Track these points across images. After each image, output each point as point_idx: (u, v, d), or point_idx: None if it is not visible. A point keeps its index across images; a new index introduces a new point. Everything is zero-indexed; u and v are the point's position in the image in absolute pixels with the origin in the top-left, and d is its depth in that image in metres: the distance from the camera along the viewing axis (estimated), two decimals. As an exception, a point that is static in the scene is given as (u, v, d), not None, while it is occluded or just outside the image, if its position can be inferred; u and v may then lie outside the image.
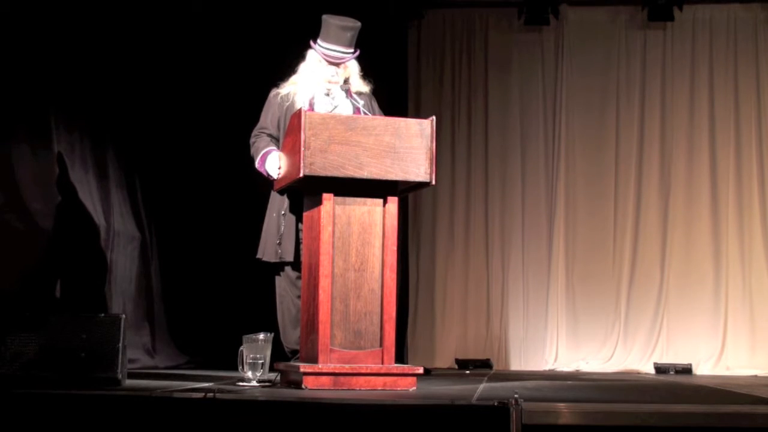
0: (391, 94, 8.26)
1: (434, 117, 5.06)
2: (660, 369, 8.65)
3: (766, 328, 8.88)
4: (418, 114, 9.10)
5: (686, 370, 8.59)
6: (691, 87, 9.35)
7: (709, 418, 3.93)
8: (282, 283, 5.56)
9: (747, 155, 9.20)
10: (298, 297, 5.40)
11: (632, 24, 9.45)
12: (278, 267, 5.53)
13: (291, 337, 5.48)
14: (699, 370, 8.65)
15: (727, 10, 9.37)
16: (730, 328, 8.93)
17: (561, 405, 3.98)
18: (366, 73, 5.68)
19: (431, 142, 4.92)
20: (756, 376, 8.33)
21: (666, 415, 3.94)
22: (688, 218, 9.17)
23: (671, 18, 9.20)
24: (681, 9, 9.17)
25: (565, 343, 9.05)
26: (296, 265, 5.43)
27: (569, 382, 6.62)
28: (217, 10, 8.23)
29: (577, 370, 8.81)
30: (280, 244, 5.42)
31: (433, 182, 4.98)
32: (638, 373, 8.63)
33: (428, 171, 4.91)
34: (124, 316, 4.85)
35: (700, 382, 6.85)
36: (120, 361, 4.71)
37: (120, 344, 4.73)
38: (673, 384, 6.75)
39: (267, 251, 5.51)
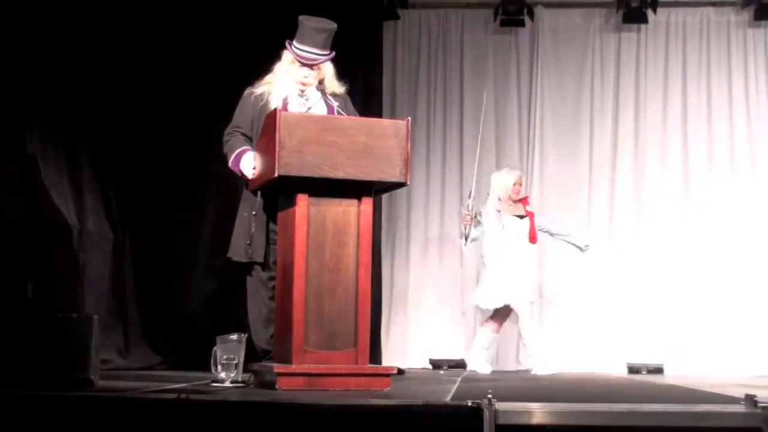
0: (367, 95, 8.28)
1: (409, 118, 5.08)
2: (632, 369, 8.70)
3: (737, 328, 8.94)
4: (394, 115, 9.11)
5: (658, 369, 8.64)
6: (664, 88, 9.41)
7: (680, 418, 3.95)
8: (253, 283, 5.55)
9: (719, 156, 9.27)
10: (270, 297, 5.39)
11: (607, 26, 9.50)
12: (249, 267, 5.52)
13: (262, 337, 5.47)
14: (671, 369, 8.70)
15: (699, 13, 9.45)
16: (701, 328, 8.99)
17: (534, 405, 3.98)
18: (341, 74, 5.68)
19: (406, 142, 4.92)
20: (727, 375, 8.37)
21: (638, 415, 3.96)
22: (661, 219, 9.22)
23: (645, 21, 9.26)
24: (655, 12, 9.23)
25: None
26: (266, 265, 5.43)
27: (543, 382, 6.64)
28: (191, 11, 8.20)
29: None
30: (250, 244, 5.40)
31: (408, 182, 4.99)
32: (611, 373, 8.66)
33: (403, 171, 4.91)
34: (96, 316, 4.82)
35: (671, 382, 6.88)
36: (92, 361, 4.68)
37: (92, 345, 4.70)
38: (646, 384, 6.79)
39: (237, 251, 5.50)
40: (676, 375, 8.39)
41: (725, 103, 9.34)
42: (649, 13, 9.22)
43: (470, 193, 8.26)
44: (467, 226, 8.19)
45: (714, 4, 9.49)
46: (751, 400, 4.02)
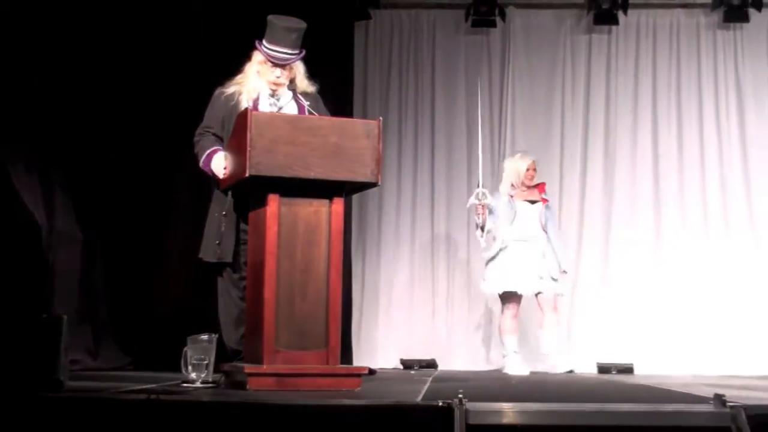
0: (338, 95, 8.28)
1: (381, 118, 5.08)
2: (602, 368, 8.72)
3: (706, 328, 9.00)
4: (365, 115, 9.11)
5: (628, 369, 8.67)
6: (634, 89, 9.46)
7: (650, 417, 3.97)
8: (223, 283, 5.54)
9: (689, 156, 9.33)
10: (241, 298, 5.38)
11: (578, 27, 9.54)
12: (220, 267, 5.50)
13: (233, 338, 5.46)
14: (640, 369, 8.74)
15: (670, 15, 9.51)
16: (670, 328, 9.04)
17: (505, 405, 3.99)
18: (313, 74, 5.68)
19: (378, 142, 4.92)
20: (696, 375, 8.43)
21: (608, 414, 3.98)
22: (631, 217, 9.27)
23: (616, 22, 9.31)
24: (625, 13, 9.27)
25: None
26: (237, 265, 5.42)
27: (513, 382, 6.65)
28: (161, 10, 8.17)
29: (518, 374, 8.85)
30: (219, 244, 5.39)
31: (380, 183, 4.99)
32: (581, 372, 8.69)
33: (374, 171, 4.91)
34: (65, 316, 4.79)
35: (641, 382, 6.91)
36: (62, 362, 4.65)
37: (62, 345, 4.67)
38: (615, 383, 6.82)
39: (207, 251, 5.49)
40: (645, 375, 8.42)
41: (695, 103, 9.41)
42: (620, 14, 9.26)
43: (479, 182, 8.11)
44: (481, 216, 7.99)
45: (684, 6, 9.55)
46: (719, 399, 4.04)
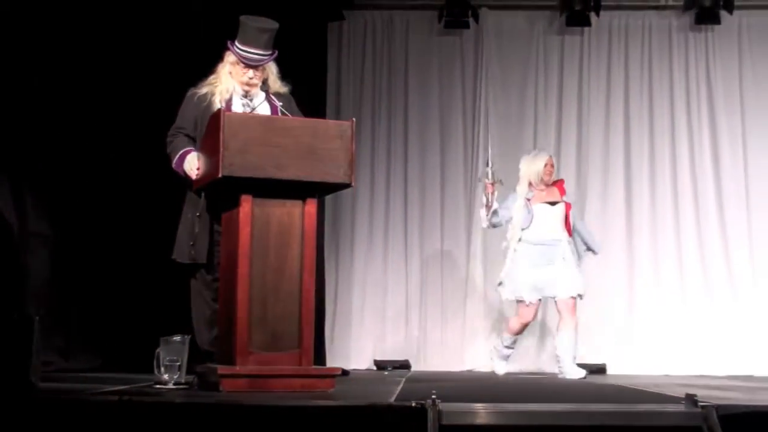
0: (311, 96, 8.24)
1: (354, 119, 5.07)
2: (575, 369, 8.75)
3: (677, 328, 9.05)
4: (338, 116, 9.10)
5: (600, 369, 8.70)
6: (607, 91, 9.50)
7: (622, 417, 3.99)
8: (196, 284, 5.53)
9: (660, 156, 9.38)
10: (213, 299, 5.37)
11: (550, 29, 9.57)
12: (193, 268, 5.49)
13: (206, 339, 5.45)
14: (613, 369, 8.77)
15: (642, 17, 9.56)
16: (642, 328, 9.08)
17: (478, 405, 4.01)
18: (285, 75, 5.67)
19: (351, 143, 4.92)
20: (668, 375, 8.47)
21: (581, 415, 4.00)
22: (602, 218, 9.30)
23: (588, 23, 9.34)
24: (598, 15, 9.31)
25: (482, 343, 9.11)
26: (210, 266, 5.40)
27: (486, 383, 6.67)
28: (133, 10, 8.13)
29: (494, 371, 8.87)
30: (193, 245, 5.38)
31: (353, 183, 4.99)
32: (554, 373, 8.72)
33: (348, 172, 4.91)
34: (38, 317, 4.76)
35: (613, 382, 6.94)
36: (33, 363, 4.62)
37: (34, 346, 4.65)
38: (588, 383, 6.85)
39: (181, 252, 5.47)
40: (618, 375, 8.46)
41: (667, 105, 9.46)
42: (592, 16, 9.30)
43: (488, 160, 7.87)
44: (490, 195, 7.70)
45: (656, 8, 9.60)
46: (691, 399, 4.07)
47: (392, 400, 4.35)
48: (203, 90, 5.55)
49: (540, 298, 7.84)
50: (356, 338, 9.22)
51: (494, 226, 7.93)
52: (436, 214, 9.40)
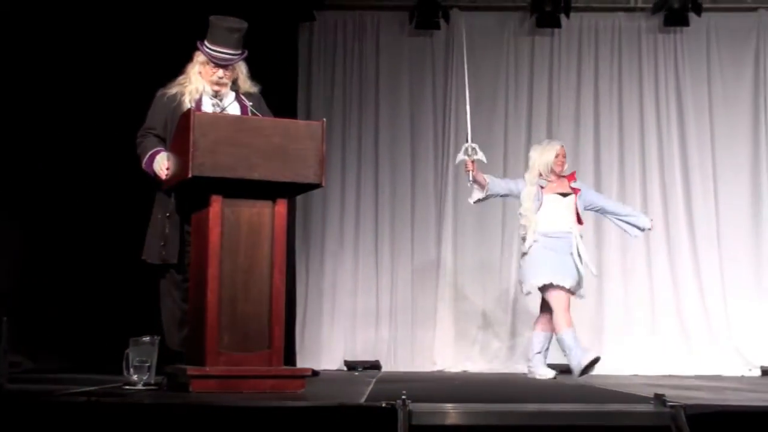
0: (282, 96, 8.24)
1: (324, 119, 5.07)
2: (545, 369, 8.77)
3: (645, 329, 9.09)
4: (309, 116, 9.09)
5: (569, 370, 8.72)
6: (577, 92, 9.55)
7: (591, 417, 4.01)
8: (166, 285, 5.51)
9: (629, 156, 9.44)
10: (183, 299, 5.35)
11: (521, 30, 9.60)
12: (163, 269, 5.47)
13: (175, 339, 5.43)
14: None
15: (612, 19, 9.61)
16: (610, 329, 9.13)
17: (448, 405, 4.01)
18: (256, 75, 5.66)
19: (321, 143, 4.92)
20: (636, 375, 8.51)
21: (550, 415, 4.01)
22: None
23: (558, 25, 9.38)
24: (568, 16, 9.35)
25: (452, 344, 9.13)
26: (181, 267, 5.38)
27: (456, 383, 6.68)
28: (101, 11, 8.09)
29: (464, 371, 8.90)
30: (164, 246, 5.36)
31: (323, 184, 4.98)
32: (524, 373, 8.74)
33: (318, 173, 4.91)
34: (5, 318, 4.74)
35: (582, 382, 6.97)
36: (1, 364, 4.60)
37: (1, 347, 4.62)
38: (557, 383, 6.87)
39: (151, 253, 5.45)
40: (586, 375, 8.49)
41: (636, 106, 9.52)
42: (563, 17, 9.34)
43: (467, 136, 7.64)
44: (471, 173, 7.46)
45: (626, 10, 9.66)
46: (660, 399, 4.09)
47: (362, 400, 4.35)
48: (173, 90, 5.53)
49: (568, 285, 7.41)
50: (327, 339, 9.21)
51: (480, 200, 7.69)
52: (406, 214, 9.40)
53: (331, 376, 7.55)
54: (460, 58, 9.29)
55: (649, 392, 4.63)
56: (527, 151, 9.33)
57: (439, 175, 9.40)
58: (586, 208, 7.72)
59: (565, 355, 7.51)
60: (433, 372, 8.86)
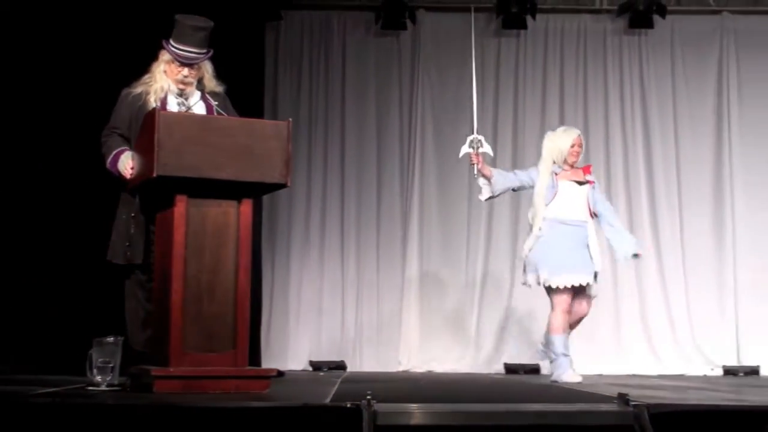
0: (248, 96, 8.21)
1: (290, 119, 5.06)
2: (510, 369, 8.82)
3: (609, 329, 9.14)
4: (275, 116, 9.07)
5: (535, 370, 8.78)
6: (542, 93, 9.59)
7: (555, 417, 4.03)
8: (130, 285, 5.48)
9: (594, 156, 9.46)
10: (147, 300, 5.33)
11: (487, 31, 9.62)
12: (127, 269, 5.44)
13: (139, 340, 5.40)
14: (547, 369, 8.83)
15: (577, 20, 9.66)
16: (575, 330, 9.15)
17: (413, 406, 4.02)
18: (222, 74, 5.64)
19: (287, 143, 4.91)
20: (601, 375, 8.55)
21: (515, 414, 4.03)
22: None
23: (524, 26, 9.42)
24: (534, 18, 9.39)
25: (418, 344, 9.14)
26: (146, 267, 5.36)
27: (422, 383, 6.69)
28: (66, 9, 8.04)
29: (430, 371, 8.91)
30: (129, 246, 5.33)
31: (289, 184, 4.97)
32: (489, 373, 8.77)
33: (284, 173, 4.90)
34: (-33, 319, 4.70)
35: (547, 382, 7.00)
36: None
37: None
38: (523, 383, 6.89)
39: (115, 253, 5.42)
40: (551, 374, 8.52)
41: (601, 107, 9.57)
42: (528, 19, 9.37)
43: (474, 129, 7.23)
44: (476, 167, 7.02)
45: (591, 12, 9.71)
46: (623, 399, 4.12)
47: (327, 400, 4.35)
48: (138, 89, 5.50)
49: (573, 284, 6.88)
50: (292, 339, 9.20)
51: (490, 197, 7.22)
52: (372, 214, 9.40)
53: (297, 377, 7.54)
54: (426, 65, 9.33)
55: (613, 392, 4.65)
56: (493, 152, 9.40)
57: (406, 174, 9.41)
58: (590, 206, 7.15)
59: (546, 357, 7.14)
60: (398, 372, 8.87)
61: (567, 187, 7.01)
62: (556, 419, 4.00)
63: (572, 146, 7.06)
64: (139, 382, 4.92)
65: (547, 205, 6.96)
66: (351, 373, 8.49)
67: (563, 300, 6.91)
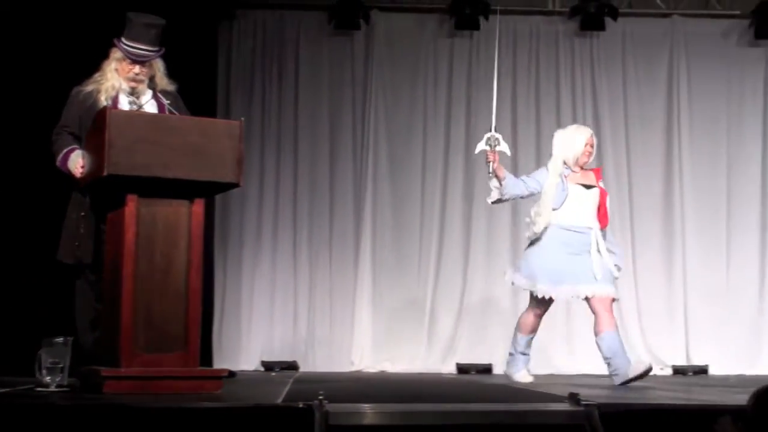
0: (201, 95, 8.17)
1: (243, 119, 5.05)
2: (462, 369, 8.85)
3: (560, 328, 9.19)
4: (228, 115, 9.03)
5: (486, 369, 8.82)
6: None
7: (507, 416, 4.04)
8: (81, 285, 5.44)
9: (547, 156, 9.46)
10: (97, 300, 5.28)
11: (440, 31, 9.65)
12: (77, 269, 5.39)
13: (89, 340, 5.36)
14: (498, 369, 8.88)
15: (530, 22, 9.70)
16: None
17: (365, 406, 4.02)
18: (175, 73, 5.62)
19: (240, 143, 4.89)
20: (552, 374, 8.61)
21: (466, 414, 4.04)
22: (489, 221, 9.40)
23: (477, 27, 9.44)
24: (486, 19, 9.41)
25: (370, 344, 9.15)
26: (96, 267, 5.31)
27: (374, 383, 6.69)
28: (16, 5, 7.96)
29: (382, 371, 8.91)
30: (79, 245, 5.29)
31: (241, 184, 4.96)
32: (441, 373, 8.80)
33: (236, 172, 4.88)
34: None
35: (499, 381, 7.03)
36: None
37: None
38: (474, 383, 6.92)
39: (65, 253, 5.38)
40: (504, 374, 8.56)
41: (553, 108, 9.62)
42: (481, 20, 9.40)
43: (491, 127, 6.99)
44: (492, 165, 6.79)
45: (543, 14, 9.76)
46: (574, 398, 4.14)
47: (279, 401, 4.34)
48: (89, 88, 5.46)
49: (555, 295, 6.73)
50: (244, 339, 9.17)
51: (498, 200, 7.02)
52: (325, 214, 9.39)
53: (249, 377, 7.51)
54: (379, 65, 9.34)
55: (564, 391, 4.68)
56: (446, 153, 9.44)
57: (358, 175, 9.40)
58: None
59: (513, 354, 7.03)
60: (351, 372, 8.86)
61: (576, 191, 6.79)
62: (508, 419, 4.02)
63: (585, 145, 6.85)
64: (89, 382, 4.88)
65: (555, 209, 6.73)
66: (303, 373, 8.47)
67: (542, 308, 6.86)
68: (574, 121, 9.49)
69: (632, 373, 6.51)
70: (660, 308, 9.39)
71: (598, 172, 7.06)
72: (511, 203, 9.34)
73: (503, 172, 6.87)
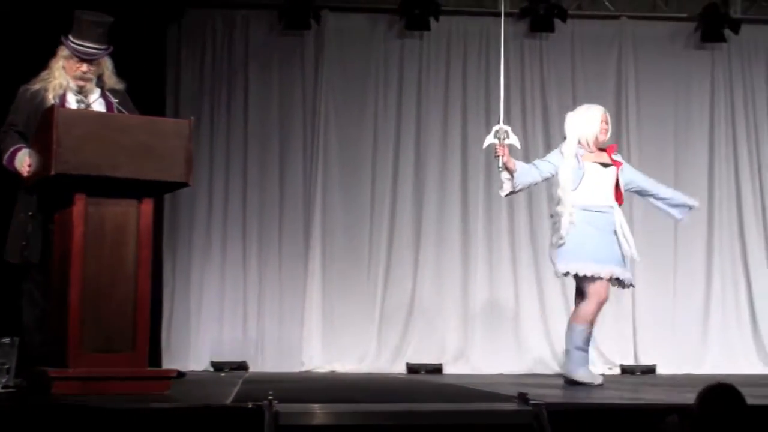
0: (150, 94, 8.10)
1: (192, 118, 5.03)
2: (412, 369, 8.86)
3: (509, 327, 9.24)
4: (177, 114, 8.96)
5: (436, 369, 8.84)
6: (445, 94, 9.63)
7: (456, 416, 4.07)
8: (28, 285, 5.39)
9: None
10: (44, 300, 5.24)
11: (391, 32, 9.65)
12: (25, 269, 5.35)
13: (36, 340, 5.31)
14: (448, 369, 8.91)
15: (480, 23, 9.72)
16: (476, 330, 9.24)
17: (315, 406, 4.03)
18: (123, 72, 5.58)
19: (189, 142, 4.87)
20: (501, 374, 8.65)
21: (416, 414, 4.06)
22: (440, 221, 9.42)
23: (427, 28, 9.46)
24: (437, 20, 9.44)
25: (320, 344, 9.13)
26: (43, 267, 5.27)
27: (324, 384, 6.69)
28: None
29: (333, 372, 8.91)
30: (26, 245, 5.24)
31: (191, 183, 4.94)
32: (391, 373, 8.81)
33: (185, 172, 4.86)
34: None
35: (449, 381, 7.06)
36: None
37: None
38: (424, 383, 6.94)
39: (12, 252, 5.33)
40: (454, 374, 8.60)
41: (502, 108, 9.64)
42: (432, 20, 9.42)
43: (500, 119, 6.91)
44: (501, 158, 6.66)
45: (494, 15, 9.77)
46: (523, 398, 4.18)
47: (229, 401, 4.33)
48: (36, 86, 5.42)
49: (608, 274, 6.49)
50: (193, 339, 9.11)
51: (511, 192, 6.86)
52: (274, 214, 9.36)
53: (198, 377, 7.48)
54: (329, 65, 9.33)
55: (513, 391, 4.71)
56: (396, 153, 9.45)
57: (308, 174, 9.38)
58: (626, 188, 6.76)
59: (570, 365, 6.57)
60: (301, 372, 8.85)
61: (593, 170, 6.60)
62: (457, 419, 4.04)
63: (602, 122, 6.69)
64: (36, 383, 4.84)
65: (573, 190, 6.54)
66: (253, 373, 8.45)
67: (601, 290, 6.49)
68: (523, 122, 9.57)
69: (579, 379, 6.38)
70: (608, 308, 9.40)
71: (613, 149, 6.87)
72: (460, 201, 9.44)
73: (513, 164, 6.71)
